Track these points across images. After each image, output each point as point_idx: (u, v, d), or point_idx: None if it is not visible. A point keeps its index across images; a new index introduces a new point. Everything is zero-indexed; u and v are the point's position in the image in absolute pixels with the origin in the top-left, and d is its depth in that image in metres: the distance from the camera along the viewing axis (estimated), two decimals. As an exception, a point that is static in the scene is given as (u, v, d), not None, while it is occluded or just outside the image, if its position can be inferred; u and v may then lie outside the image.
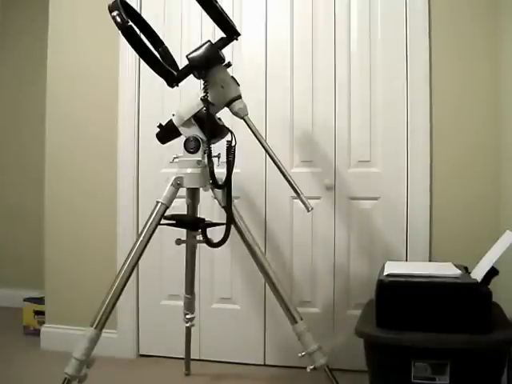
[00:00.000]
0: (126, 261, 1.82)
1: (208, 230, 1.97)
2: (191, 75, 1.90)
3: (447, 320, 1.61)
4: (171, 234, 2.25)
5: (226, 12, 1.89)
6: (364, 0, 2.49)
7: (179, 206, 2.20)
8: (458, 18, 2.38)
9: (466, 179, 2.38)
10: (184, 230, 2.12)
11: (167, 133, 1.97)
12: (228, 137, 1.90)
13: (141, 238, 1.85)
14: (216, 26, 1.87)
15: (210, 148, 1.84)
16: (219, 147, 1.97)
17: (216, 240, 1.90)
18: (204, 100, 1.82)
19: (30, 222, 3.66)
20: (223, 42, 1.86)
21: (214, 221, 2.13)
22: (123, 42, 2.10)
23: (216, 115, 1.93)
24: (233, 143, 1.86)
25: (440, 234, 2.40)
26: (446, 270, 1.78)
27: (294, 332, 1.92)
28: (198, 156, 1.89)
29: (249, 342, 2.62)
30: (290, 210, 2.57)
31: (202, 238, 1.96)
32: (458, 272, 1.72)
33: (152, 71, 1.88)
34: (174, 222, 1.96)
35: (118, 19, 1.77)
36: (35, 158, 3.55)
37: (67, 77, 2.82)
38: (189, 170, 1.89)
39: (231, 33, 1.85)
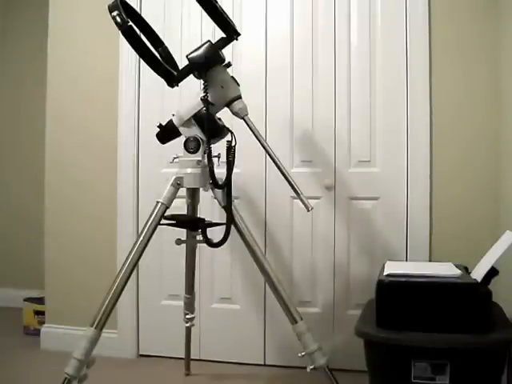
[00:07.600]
0: (126, 261, 1.82)
1: (208, 229, 1.96)
2: (191, 75, 1.91)
3: (447, 320, 1.61)
4: (171, 234, 2.25)
5: (226, 12, 1.89)
6: (364, 0, 2.49)
7: (179, 206, 2.20)
8: (458, 17, 2.38)
9: (466, 179, 2.38)
10: (184, 230, 2.12)
11: (167, 133, 1.97)
12: (228, 137, 1.90)
13: (141, 238, 1.85)
14: (216, 26, 1.87)
15: (210, 148, 1.83)
16: (219, 147, 1.97)
17: (216, 240, 1.90)
18: (204, 100, 1.81)
19: (31, 222, 3.66)
20: (223, 42, 1.86)
21: (214, 221, 2.13)
22: (123, 41, 2.10)
23: (216, 115, 1.93)
24: (233, 143, 1.86)
25: (440, 234, 2.40)
26: (446, 270, 1.77)
27: (294, 332, 1.91)
28: (197, 156, 1.89)
29: (249, 342, 2.62)
30: (290, 210, 2.57)
31: (201, 238, 1.96)
32: (458, 272, 1.72)
33: (152, 71, 1.88)
34: (174, 221, 1.96)
35: (118, 19, 1.77)
36: (35, 158, 3.55)
37: (67, 77, 2.82)
38: (189, 170, 1.89)
39: (231, 33, 1.85)
